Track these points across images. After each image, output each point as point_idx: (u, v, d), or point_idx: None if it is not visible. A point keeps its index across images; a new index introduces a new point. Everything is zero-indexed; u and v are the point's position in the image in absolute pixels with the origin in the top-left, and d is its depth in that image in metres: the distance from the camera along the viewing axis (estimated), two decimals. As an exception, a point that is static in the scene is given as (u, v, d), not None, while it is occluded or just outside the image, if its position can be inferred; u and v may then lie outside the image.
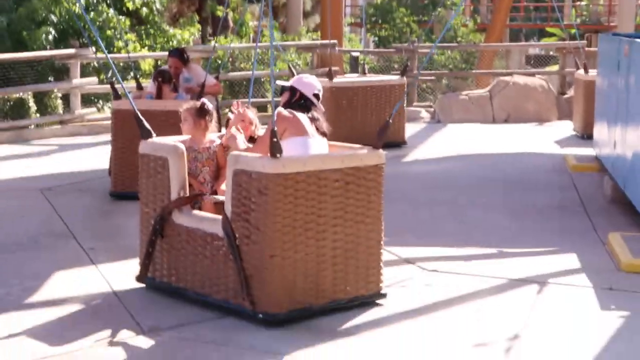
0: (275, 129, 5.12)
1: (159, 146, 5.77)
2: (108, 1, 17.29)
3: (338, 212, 5.35)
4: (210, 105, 6.25)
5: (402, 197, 9.04)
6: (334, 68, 14.42)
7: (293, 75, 12.22)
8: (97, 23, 17.06)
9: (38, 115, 14.43)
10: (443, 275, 6.32)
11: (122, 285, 5.93)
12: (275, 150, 5.08)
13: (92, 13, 17.07)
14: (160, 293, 5.77)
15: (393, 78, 12.95)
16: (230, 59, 16.91)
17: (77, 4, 15.62)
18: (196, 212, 5.65)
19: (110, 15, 17.20)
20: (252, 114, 6.06)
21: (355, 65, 15.19)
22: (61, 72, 15.37)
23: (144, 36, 18.22)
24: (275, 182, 5.07)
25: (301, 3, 23.78)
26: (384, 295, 5.61)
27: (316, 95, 5.63)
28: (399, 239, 7.21)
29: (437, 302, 5.69)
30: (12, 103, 14.24)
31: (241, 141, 5.81)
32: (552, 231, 7.72)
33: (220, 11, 20.87)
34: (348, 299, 5.44)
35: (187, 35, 18.56)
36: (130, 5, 17.81)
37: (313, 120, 5.57)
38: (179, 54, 9.45)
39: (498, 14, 21.37)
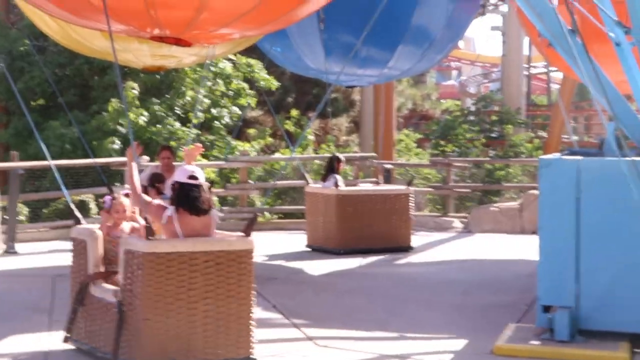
0: (146, 216, 6.38)
1: (82, 231, 7.11)
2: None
3: (209, 287, 6.53)
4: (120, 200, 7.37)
5: (361, 291, 10.11)
6: (373, 179, 15.66)
7: (307, 182, 13.53)
8: (163, 135, 18.78)
9: (98, 215, 16.07)
10: (328, 350, 7.36)
11: (57, 347, 7.17)
12: (148, 233, 6.34)
13: (158, 125, 18.82)
14: (80, 352, 7.00)
15: (400, 187, 14.02)
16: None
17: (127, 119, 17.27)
18: (104, 284, 6.90)
19: (175, 128, 18.93)
20: (126, 201, 7.18)
21: (388, 176, 16.34)
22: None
23: (208, 146, 19.84)
24: (148, 259, 6.31)
25: (371, 121, 25.12)
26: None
27: (191, 177, 6.69)
28: (323, 323, 8.31)
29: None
30: (75, 204, 15.95)
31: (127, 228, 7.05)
32: (470, 324, 8.53)
33: (287, 125, 22.43)
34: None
35: (247, 147, 20.09)
36: (195, 120, 19.50)
37: (193, 199, 6.60)
38: (171, 148, 10.91)
39: (553, 129, 22.24)
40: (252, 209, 17.49)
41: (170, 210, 6.56)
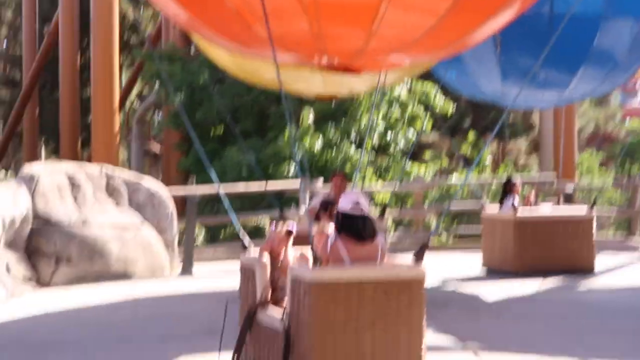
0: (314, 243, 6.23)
1: (250, 259, 7.05)
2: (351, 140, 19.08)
3: (377, 317, 6.29)
4: (293, 229, 7.25)
5: (540, 318, 9.68)
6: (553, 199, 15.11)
7: (483, 207, 13.16)
8: (339, 160, 18.79)
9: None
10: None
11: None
12: (314, 262, 6.19)
13: (333, 150, 18.84)
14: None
15: (581, 212, 13.40)
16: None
17: (294, 144, 17.35)
18: (271, 312, 6.78)
19: (350, 153, 18.91)
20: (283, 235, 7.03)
21: (569, 198, 15.74)
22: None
23: (382, 169, 19.74)
24: (315, 288, 6.14)
25: (551, 143, 24.41)
26: (422, 393, 6.42)
27: (355, 205, 6.53)
28: (499, 348, 8.01)
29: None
30: (250, 229, 16.17)
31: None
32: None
33: (464, 148, 22.08)
34: (388, 393, 6.32)
35: (423, 169, 19.85)
36: (369, 145, 19.44)
37: (356, 227, 6.44)
38: (344, 175, 10.80)
39: None
40: (426, 231, 17.23)
41: (333, 238, 6.41)
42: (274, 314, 6.68)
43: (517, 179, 13.70)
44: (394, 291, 6.32)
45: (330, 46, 6.89)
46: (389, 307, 6.31)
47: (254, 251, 7.18)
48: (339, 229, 6.49)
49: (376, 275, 6.31)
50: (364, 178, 15.08)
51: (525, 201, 13.34)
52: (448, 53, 8.26)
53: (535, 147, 31.35)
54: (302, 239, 7.16)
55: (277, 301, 6.85)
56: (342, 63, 7.33)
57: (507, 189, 13.24)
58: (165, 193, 13.73)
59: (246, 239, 7.14)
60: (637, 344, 8.51)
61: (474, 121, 27.21)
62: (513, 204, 12.86)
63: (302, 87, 10.51)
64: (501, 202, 13.22)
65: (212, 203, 17.63)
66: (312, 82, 10.29)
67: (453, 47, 7.67)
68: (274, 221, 7.91)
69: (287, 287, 6.96)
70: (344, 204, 6.51)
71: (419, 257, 6.44)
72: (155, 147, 34.82)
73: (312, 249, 6.21)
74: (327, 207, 10.33)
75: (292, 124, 16.44)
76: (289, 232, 7.02)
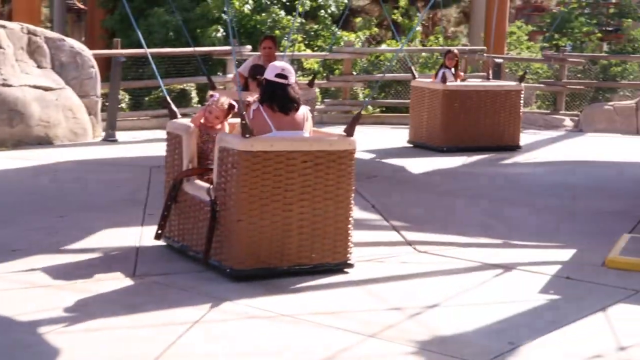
0: (244, 112, 6.06)
1: (177, 125, 6.86)
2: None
3: (306, 188, 6.22)
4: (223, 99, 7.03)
5: (463, 193, 9.74)
6: (482, 73, 15.10)
7: (414, 77, 13.08)
8: (268, 24, 18.41)
9: (199, 105, 15.92)
10: (427, 256, 7.04)
11: (148, 243, 7.04)
12: (245, 131, 6.03)
13: (263, 14, 18.44)
14: (171, 249, 6.85)
15: (510, 84, 13.48)
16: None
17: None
18: (198, 181, 6.66)
19: (280, 16, 18.53)
20: (225, 107, 6.85)
21: (498, 71, 15.71)
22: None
23: (312, 36, 19.45)
24: (244, 158, 6.02)
25: (483, 11, 24.26)
26: (350, 265, 6.42)
27: (279, 75, 6.33)
28: (422, 226, 8.01)
29: (397, 275, 6.45)
30: (176, 93, 15.84)
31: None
32: (579, 232, 8.11)
33: (395, 15, 21.79)
34: (312, 265, 6.30)
35: (353, 37, 19.60)
36: (301, 8, 19.06)
37: (279, 97, 6.28)
38: (273, 38, 10.57)
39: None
40: (354, 101, 17.13)
41: (256, 105, 6.26)
42: (201, 184, 6.56)
43: (452, 49, 13.59)
44: (324, 162, 6.24)
45: None
46: (317, 179, 6.24)
47: (182, 118, 7.00)
48: (263, 98, 6.34)
49: (307, 146, 6.21)
50: (293, 44, 14.78)
51: (456, 75, 13.27)
52: None
53: (466, 16, 31.19)
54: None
55: (205, 172, 6.71)
56: None
57: (446, 59, 13.15)
58: (89, 53, 13.33)
59: (173, 107, 6.93)
60: (555, 219, 8.63)
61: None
62: (444, 76, 12.80)
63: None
64: (436, 74, 13.15)
65: (135, 67, 17.18)
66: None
67: None
68: (214, 92, 7.70)
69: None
70: (270, 72, 6.35)
71: (350, 129, 6.35)
72: (78, 4, 33.77)
73: (240, 117, 6.05)
74: (255, 73, 10.16)
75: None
76: (231, 106, 6.82)
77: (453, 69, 13.06)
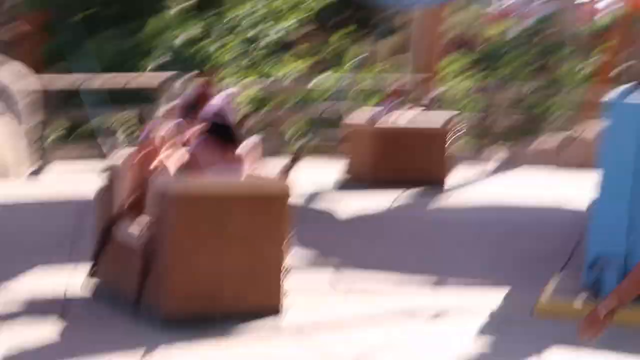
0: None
1: (112, 163, 6.78)
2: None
3: (241, 232, 6.18)
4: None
5: (394, 235, 9.78)
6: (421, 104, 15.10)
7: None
8: (201, 56, 18.35)
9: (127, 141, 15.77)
10: (359, 302, 7.02)
11: (77, 288, 6.84)
12: (180, 172, 5.99)
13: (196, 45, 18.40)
14: (102, 293, 6.73)
15: (436, 125, 13.40)
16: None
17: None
18: (131, 224, 6.55)
19: (214, 49, 18.50)
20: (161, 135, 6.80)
21: (430, 105, 15.80)
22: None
23: (247, 67, 19.40)
24: (177, 201, 5.97)
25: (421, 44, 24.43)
26: (282, 311, 6.37)
27: (218, 115, 6.34)
28: (354, 269, 8.00)
29: (329, 321, 6.43)
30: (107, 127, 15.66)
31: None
32: (509, 276, 8.06)
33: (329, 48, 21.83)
34: (246, 309, 6.25)
35: (286, 69, 19.60)
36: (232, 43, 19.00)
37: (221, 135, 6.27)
38: (209, 72, 10.54)
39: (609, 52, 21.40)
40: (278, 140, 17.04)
41: (201, 139, 6.25)
42: (133, 229, 6.47)
43: (396, 85, 13.64)
44: (259, 206, 6.21)
45: None
46: (252, 223, 6.20)
47: (117, 155, 6.90)
48: (208, 132, 6.31)
49: (242, 189, 6.18)
50: (223, 78, 14.67)
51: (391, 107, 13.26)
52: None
53: (401, 48, 31.40)
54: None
55: (139, 213, 6.62)
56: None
57: (387, 94, 13.22)
58: (16, 82, 13.07)
59: (105, 144, 6.85)
60: (491, 265, 8.66)
61: (344, 19, 26.92)
62: (377, 112, 12.82)
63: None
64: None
65: (66, 98, 16.92)
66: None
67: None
68: (145, 125, 7.60)
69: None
70: (209, 109, 6.33)
71: (286, 172, 6.34)
72: (5, 34, 33.28)
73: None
74: (188, 111, 10.09)
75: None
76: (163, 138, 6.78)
77: (391, 106, 13.13)
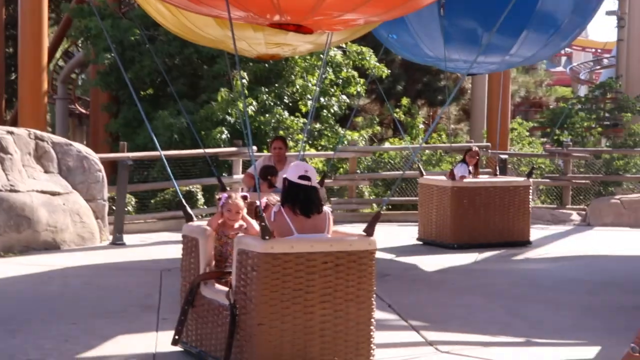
0: (263, 214, 5.98)
1: (193, 228, 6.78)
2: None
3: (327, 290, 6.11)
4: (233, 195, 6.96)
5: (479, 289, 9.61)
6: (487, 170, 15.10)
7: (422, 174, 13.06)
8: (272, 124, 18.50)
9: (205, 206, 15.86)
10: (450, 356, 6.89)
11: (165, 349, 6.88)
12: (264, 233, 5.94)
13: (267, 115, 18.55)
14: (189, 356, 6.70)
15: (518, 179, 13.46)
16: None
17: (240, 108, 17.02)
18: (216, 285, 6.55)
19: (284, 117, 18.64)
20: (241, 203, 6.78)
21: (503, 167, 15.72)
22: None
23: (316, 135, 19.52)
24: (264, 260, 5.92)
25: (485, 108, 24.48)
26: (372, 369, 6.27)
27: (303, 177, 6.29)
28: (442, 325, 7.87)
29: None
30: (182, 195, 15.78)
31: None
32: (601, 328, 7.97)
33: (397, 113, 21.91)
34: (335, 368, 6.16)
35: (356, 136, 19.67)
36: (304, 109, 19.20)
37: (302, 201, 6.21)
38: (283, 139, 10.56)
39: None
40: (360, 200, 17.10)
41: (278, 207, 6.19)
42: (219, 288, 6.44)
43: (476, 148, 13.59)
44: (345, 263, 6.14)
45: (284, 3, 6.64)
46: (338, 280, 6.13)
47: (196, 223, 6.92)
48: (285, 200, 6.27)
49: (327, 247, 6.12)
50: (304, 144, 14.78)
51: (476, 173, 13.22)
52: (404, 12, 8.07)
53: (466, 113, 31.45)
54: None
55: (222, 275, 6.59)
56: (295, 21, 7.07)
57: (467, 157, 13.13)
58: (95, 157, 13.32)
59: (189, 210, 6.87)
60: (577, 317, 8.47)
61: (408, 86, 27.11)
62: (452, 172, 12.76)
63: (244, 46, 10.21)
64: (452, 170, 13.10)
65: (140, 169, 17.20)
66: (254, 42, 10.01)
67: (404, 7, 7.46)
68: (223, 191, 7.63)
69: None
70: (292, 173, 6.29)
71: (370, 229, 6.26)
72: (80, 109, 34.09)
73: (257, 217, 5.96)
74: (266, 174, 10.15)
75: (239, 83, 16.01)
76: (245, 197, 6.78)
77: (472, 167, 13.05)
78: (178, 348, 6.81)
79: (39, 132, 13.03)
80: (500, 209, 12.75)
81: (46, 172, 12.69)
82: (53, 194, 12.37)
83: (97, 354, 6.82)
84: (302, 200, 6.17)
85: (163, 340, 7.06)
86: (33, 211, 11.93)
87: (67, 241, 12.28)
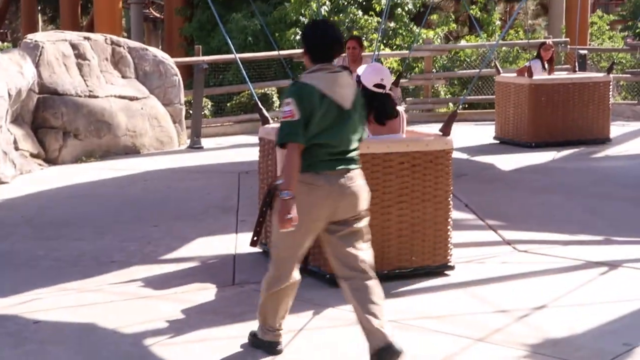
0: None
1: (269, 131, 6.80)
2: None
3: (404, 190, 6.11)
4: None
5: (558, 188, 9.52)
6: (566, 66, 14.81)
7: (499, 72, 12.87)
8: (346, 24, 18.34)
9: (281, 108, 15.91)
10: (528, 255, 6.87)
11: (245, 250, 7.00)
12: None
13: (340, 14, 18.38)
14: (268, 256, 6.79)
15: (598, 75, 13.18)
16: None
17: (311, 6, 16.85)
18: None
19: (358, 16, 18.44)
20: None
21: (583, 63, 15.38)
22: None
23: (390, 35, 19.31)
24: (341, 162, 5.91)
25: (563, 2, 23.87)
26: (450, 267, 6.30)
27: (378, 85, 6.24)
28: (519, 225, 7.84)
29: (499, 276, 6.29)
30: (258, 98, 15.84)
31: None
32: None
33: (473, 10, 21.49)
34: (413, 268, 6.20)
35: (431, 34, 19.40)
36: (377, 7, 18.96)
37: (377, 109, 6.19)
38: (358, 38, 10.46)
39: None
40: (436, 99, 16.97)
41: None
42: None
43: (546, 42, 13.28)
44: (421, 163, 6.13)
45: None
46: (415, 180, 6.13)
47: (273, 123, 6.94)
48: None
49: (403, 147, 6.10)
50: (380, 42, 14.58)
51: (551, 69, 12.95)
52: None
53: (544, 9, 30.72)
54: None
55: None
56: None
57: (541, 51, 12.86)
58: (171, 61, 13.40)
59: (265, 112, 6.88)
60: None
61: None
62: (530, 67, 12.50)
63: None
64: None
65: (215, 73, 17.26)
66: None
67: None
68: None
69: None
70: (367, 79, 6.22)
71: (446, 128, 6.21)
72: (155, 13, 34.19)
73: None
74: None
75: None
76: None
77: (546, 63, 12.79)
78: (257, 249, 6.91)
79: (115, 37, 13.14)
80: (579, 106, 12.53)
81: (123, 77, 12.82)
82: (131, 98, 12.52)
83: (178, 256, 6.97)
84: (376, 108, 6.13)
85: (242, 242, 7.18)
86: (112, 116, 12.11)
87: (146, 145, 12.47)
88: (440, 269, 6.29)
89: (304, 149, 4.48)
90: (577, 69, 14.11)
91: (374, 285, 4.56)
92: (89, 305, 5.72)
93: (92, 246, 7.20)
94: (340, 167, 4.56)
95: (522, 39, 20.26)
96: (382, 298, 4.57)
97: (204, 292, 5.99)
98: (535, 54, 13.07)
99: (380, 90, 6.16)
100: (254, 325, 5.07)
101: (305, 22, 18.07)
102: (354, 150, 4.66)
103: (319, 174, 4.53)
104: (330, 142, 4.52)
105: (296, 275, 4.83)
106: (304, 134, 4.45)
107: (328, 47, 4.57)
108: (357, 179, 4.64)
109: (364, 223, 4.67)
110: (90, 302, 5.78)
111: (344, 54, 10.75)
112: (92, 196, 9.41)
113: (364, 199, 4.66)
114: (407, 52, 16.86)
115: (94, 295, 5.92)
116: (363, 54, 10.69)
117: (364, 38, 17.87)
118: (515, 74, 12.95)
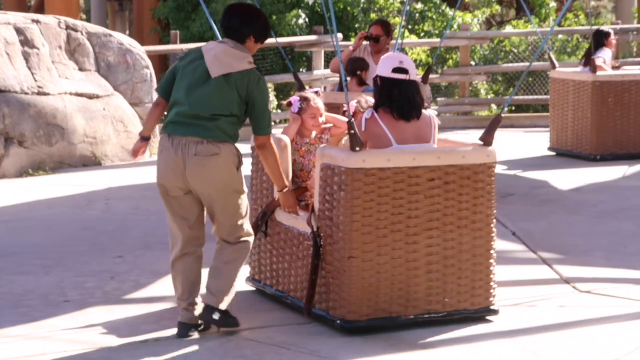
0: (352, 120, 5.97)
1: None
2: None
3: (435, 214, 6.11)
4: (310, 95, 6.96)
5: (633, 214, 9.57)
6: (637, 59, 14.82)
7: (554, 66, 12.91)
8: (361, 5, 18.44)
9: (279, 110, 15.91)
10: (592, 297, 6.88)
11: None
12: (354, 143, 5.93)
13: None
14: (263, 296, 6.81)
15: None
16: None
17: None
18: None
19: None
20: (320, 103, 6.79)
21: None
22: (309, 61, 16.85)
23: (417, 19, 19.40)
24: (355, 177, 5.93)
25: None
26: (494, 312, 6.29)
27: (398, 70, 6.17)
28: (581, 259, 7.88)
29: (556, 324, 6.28)
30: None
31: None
32: None
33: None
34: (446, 313, 6.19)
35: (469, 18, 19.48)
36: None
37: (398, 101, 6.18)
38: (385, 23, 10.46)
39: None
40: (476, 99, 17.00)
41: (370, 113, 6.17)
42: (299, 213, 6.49)
43: (608, 30, 13.30)
44: (456, 180, 6.14)
45: None
46: (448, 201, 6.13)
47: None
48: (379, 101, 6.25)
49: (434, 160, 6.11)
50: (403, 29, 14.63)
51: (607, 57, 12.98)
52: None
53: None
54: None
55: (300, 193, 6.65)
56: None
57: (598, 41, 12.85)
58: (141, 50, 13.45)
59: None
60: None
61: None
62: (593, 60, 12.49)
63: None
64: (585, 63, 12.78)
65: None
66: None
67: None
68: (302, 90, 7.63)
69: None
70: (383, 67, 6.24)
71: (488, 137, 6.22)
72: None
73: (349, 126, 5.95)
74: (355, 68, 10.11)
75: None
76: (317, 93, 6.82)
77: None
78: (249, 287, 6.91)
79: (71, 21, 13.20)
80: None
81: (81, 69, 12.88)
82: (91, 97, 12.58)
83: (148, 295, 6.99)
84: (398, 99, 6.13)
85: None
86: (67, 119, 12.15)
87: (109, 155, 12.51)
88: (481, 313, 6.28)
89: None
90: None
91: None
92: (37, 357, 5.71)
93: (40, 282, 7.20)
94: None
95: (583, 25, 20.31)
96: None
97: (182, 342, 5.98)
98: (595, 44, 12.86)
99: (403, 76, 6.15)
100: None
101: (310, 3, 18.17)
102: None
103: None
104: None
105: (186, 250, 6.10)
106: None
107: (225, 28, 6.05)
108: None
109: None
110: (39, 353, 5.77)
111: (365, 42, 10.77)
112: (40, 220, 9.42)
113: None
114: (438, 40, 16.90)
115: (42, 344, 5.92)
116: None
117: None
118: (580, 68, 12.91)
